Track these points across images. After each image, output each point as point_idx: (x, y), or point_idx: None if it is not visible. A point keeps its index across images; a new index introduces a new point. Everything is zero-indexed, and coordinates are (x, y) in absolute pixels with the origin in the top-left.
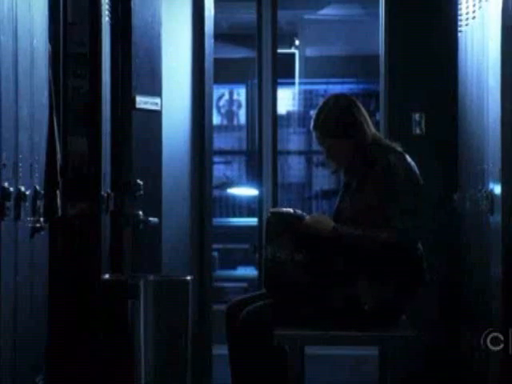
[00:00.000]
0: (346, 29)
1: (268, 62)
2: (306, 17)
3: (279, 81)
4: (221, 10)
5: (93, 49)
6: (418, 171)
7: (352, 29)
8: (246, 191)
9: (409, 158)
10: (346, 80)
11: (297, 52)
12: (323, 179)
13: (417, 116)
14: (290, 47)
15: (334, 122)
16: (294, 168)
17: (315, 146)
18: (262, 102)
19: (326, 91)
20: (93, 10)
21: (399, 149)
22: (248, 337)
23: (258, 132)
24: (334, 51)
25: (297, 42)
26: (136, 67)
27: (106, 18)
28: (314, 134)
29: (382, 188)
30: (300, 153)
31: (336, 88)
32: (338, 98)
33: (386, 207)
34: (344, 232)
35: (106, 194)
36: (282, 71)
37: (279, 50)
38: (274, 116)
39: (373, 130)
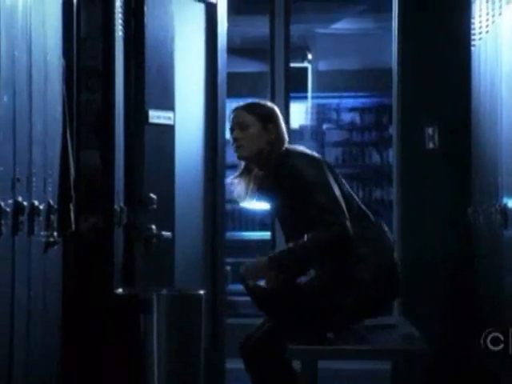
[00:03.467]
0: (358, 42)
1: (281, 76)
2: (319, 31)
3: (292, 95)
4: (233, 24)
5: (106, 63)
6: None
7: (364, 42)
8: (258, 205)
9: (311, 156)
10: (358, 94)
11: (309, 66)
12: None
13: (430, 130)
14: (302, 61)
15: (260, 108)
16: None
17: (328, 160)
18: None
19: (338, 105)
20: (106, 24)
21: (304, 152)
22: (263, 360)
23: None
24: (346, 65)
25: (309, 56)
26: (149, 81)
27: (119, 33)
28: (234, 114)
29: (294, 190)
30: None
31: (348, 102)
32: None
33: (307, 207)
34: (282, 255)
35: (118, 208)
36: (295, 85)
37: (292, 64)
38: (287, 130)
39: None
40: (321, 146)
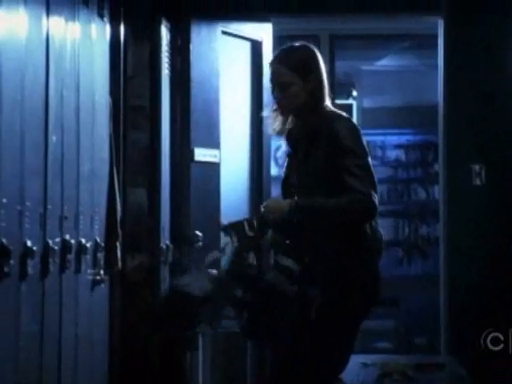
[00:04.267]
0: (402, 79)
1: None
2: (363, 67)
3: None
4: None
5: (152, 102)
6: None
7: (409, 79)
8: None
9: (354, 124)
10: (403, 131)
11: (354, 103)
12: (381, 230)
13: (476, 167)
14: (347, 98)
15: (299, 60)
16: None
17: None
18: None
19: (383, 142)
20: (152, 63)
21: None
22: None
23: None
24: (391, 102)
25: (354, 93)
26: (194, 119)
27: (165, 71)
28: (272, 70)
29: (329, 152)
30: None
31: (393, 139)
32: (303, 44)
33: (337, 171)
34: (305, 203)
35: (164, 246)
36: None
37: (337, 101)
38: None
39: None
40: None
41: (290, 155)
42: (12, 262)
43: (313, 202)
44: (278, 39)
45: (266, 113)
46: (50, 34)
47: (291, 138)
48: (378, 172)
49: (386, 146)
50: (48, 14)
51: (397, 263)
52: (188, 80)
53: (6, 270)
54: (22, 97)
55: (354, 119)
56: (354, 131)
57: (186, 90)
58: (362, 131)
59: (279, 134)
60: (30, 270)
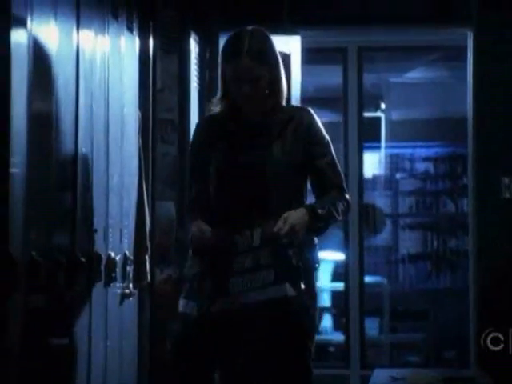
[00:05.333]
0: (431, 92)
1: (354, 125)
2: (392, 80)
3: (365, 144)
4: (307, 73)
5: (181, 115)
6: None
7: (437, 92)
8: (331, 255)
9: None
10: (431, 143)
11: (382, 115)
12: (410, 242)
13: (506, 180)
14: (375, 110)
15: (263, 46)
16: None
17: (402, 209)
18: (347, 166)
19: (411, 154)
20: (182, 76)
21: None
22: None
23: None
24: (419, 114)
25: (382, 106)
26: None
27: (194, 84)
28: (233, 65)
29: (308, 143)
30: (386, 216)
31: (422, 151)
32: (258, 28)
33: (314, 164)
34: (323, 211)
35: None
36: (368, 135)
37: (365, 114)
38: (360, 179)
39: None
40: (394, 195)
41: (232, 142)
42: (42, 275)
43: (327, 206)
44: (307, 52)
45: (214, 100)
46: (80, 47)
47: (243, 125)
48: (407, 184)
49: (414, 158)
50: (78, 28)
51: (425, 276)
52: (216, 92)
53: (36, 283)
54: (52, 109)
55: (383, 132)
56: (319, 121)
57: None
58: (391, 144)
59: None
60: (59, 283)
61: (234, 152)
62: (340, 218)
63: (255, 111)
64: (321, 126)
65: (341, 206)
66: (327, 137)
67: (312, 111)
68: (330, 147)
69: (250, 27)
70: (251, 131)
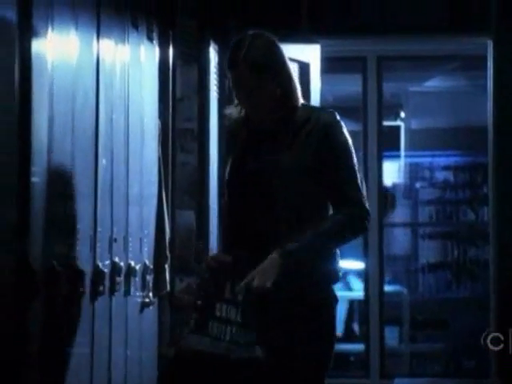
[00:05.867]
0: (450, 100)
1: (373, 134)
2: (411, 89)
3: (385, 153)
4: (326, 82)
5: (201, 124)
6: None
7: (457, 100)
8: (350, 264)
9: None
10: (451, 152)
11: (402, 124)
12: (429, 252)
13: None
14: (395, 119)
15: (262, 56)
16: (400, 240)
17: (421, 218)
18: (367, 175)
19: (431, 163)
20: (201, 85)
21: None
22: None
23: None
24: (439, 123)
25: (402, 114)
26: None
27: (213, 93)
28: (231, 74)
29: (324, 149)
30: (405, 225)
31: (441, 160)
32: (261, 34)
33: (330, 173)
34: (301, 245)
35: None
36: (388, 144)
37: (384, 123)
38: (380, 188)
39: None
40: (414, 204)
41: (245, 149)
42: (63, 284)
43: (308, 240)
44: (326, 61)
45: (228, 110)
46: (100, 57)
47: (257, 131)
48: (427, 193)
49: (433, 167)
50: (98, 38)
51: (445, 285)
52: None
53: (57, 292)
54: (72, 119)
55: (402, 140)
56: (342, 125)
57: None
58: (410, 153)
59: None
60: (80, 293)
61: (242, 160)
62: (346, 239)
63: (261, 119)
64: (343, 131)
65: (347, 228)
66: (349, 143)
67: (335, 114)
68: (349, 155)
69: (252, 32)
70: (260, 138)
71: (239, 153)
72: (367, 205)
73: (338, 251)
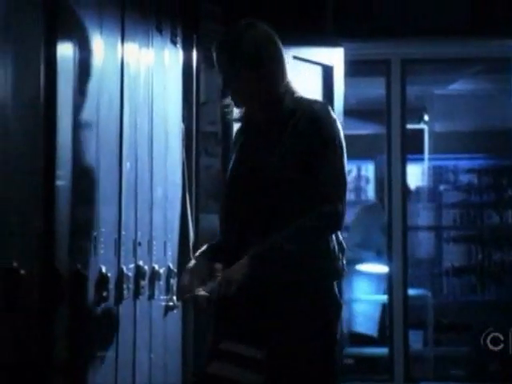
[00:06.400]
0: (474, 104)
1: (397, 137)
2: (435, 92)
3: (408, 156)
4: (350, 85)
5: (225, 128)
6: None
7: (481, 104)
8: (374, 268)
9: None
10: (475, 155)
11: (426, 127)
12: (454, 255)
13: None
14: (419, 122)
15: (251, 48)
16: (424, 244)
17: (445, 221)
18: (391, 178)
19: (455, 166)
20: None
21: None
22: None
23: (388, 208)
24: (463, 126)
25: (426, 118)
26: None
27: None
28: (216, 59)
29: (307, 143)
30: (430, 228)
31: (465, 163)
32: (256, 25)
33: (309, 167)
34: (263, 251)
35: None
36: (412, 147)
37: (408, 126)
38: (404, 191)
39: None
40: (438, 207)
41: (242, 145)
42: (88, 288)
43: (273, 244)
44: (350, 64)
45: (227, 100)
46: (124, 60)
47: (251, 124)
48: (450, 196)
49: (458, 170)
50: (123, 41)
51: (470, 289)
52: None
53: (82, 296)
54: (97, 123)
55: (426, 143)
56: (331, 117)
57: None
58: (434, 155)
59: (239, 121)
60: (104, 296)
61: (238, 157)
62: (317, 237)
63: (250, 111)
64: (329, 123)
65: (312, 228)
66: (334, 138)
67: (323, 105)
68: (332, 150)
69: (245, 22)
70: (254, 133)
71: (237, 152)
72: (342, 202)
73: (335, 248)
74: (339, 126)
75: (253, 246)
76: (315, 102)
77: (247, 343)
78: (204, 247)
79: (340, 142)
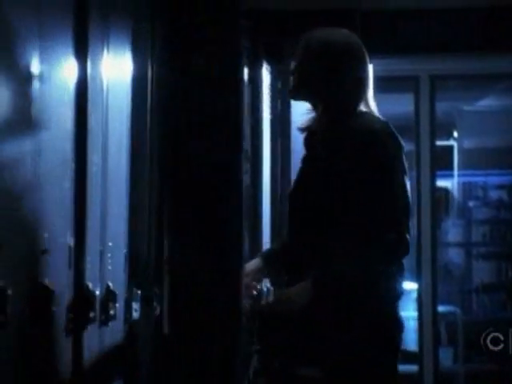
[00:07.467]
0: (503, 120)
1: (426, 153)
2: (465, 108)
3: (438, 173)
4: (378, 101)
5: (253, 144)
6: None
7: (510, 120)
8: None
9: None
10: (505, 171)
11: (455, 144)
12: (484, 272)
13: None
14: (448, 139)
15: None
16: (454, 260)
17: (475, 238)
18: (420, 195)
19: (485, 183)
20: (254, 105)
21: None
22: None
23: (417, 224)
24: (492, 143)
25: (455, 134)
26: (295, 162)
27: (266, 114)
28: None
29: (363, 166)
30: (459, 244)
31: (495, 179)
32: (340, 32)
33: (366, 190)
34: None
35: (265, 289)
36: (441, 163)
37: (437, 142)
38: (433, 208)
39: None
40: (468, 223)
41: (305, 161)
42: (116, 306)
43: (337, 271)
44: (378, 80)
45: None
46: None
47: (312, 138)
48: (480, 213)
49: (487, 186)
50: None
51: (500, 307)
52: (288, 122)
53: (91, 314)
54: (126, 141)
55: (455, 160)
56: (397, 139)
57: (287, 132)
58: (463, 172)
59: (303, 131)
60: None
61: (300, 178)
62: (379, 268)
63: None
64: (384, 145)
65: (378, 257)
66: (389, 159)
67: (386, 122)
68: (392, 172)
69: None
70: (311, 151)
71: (299, 172)
72: (408, 229)
73: (399, 268)
74: (400, 144)
75: (316, 269)
76: (377, 120)
77: (306, 364)
78: (265, 250)
79: (400, 163)
